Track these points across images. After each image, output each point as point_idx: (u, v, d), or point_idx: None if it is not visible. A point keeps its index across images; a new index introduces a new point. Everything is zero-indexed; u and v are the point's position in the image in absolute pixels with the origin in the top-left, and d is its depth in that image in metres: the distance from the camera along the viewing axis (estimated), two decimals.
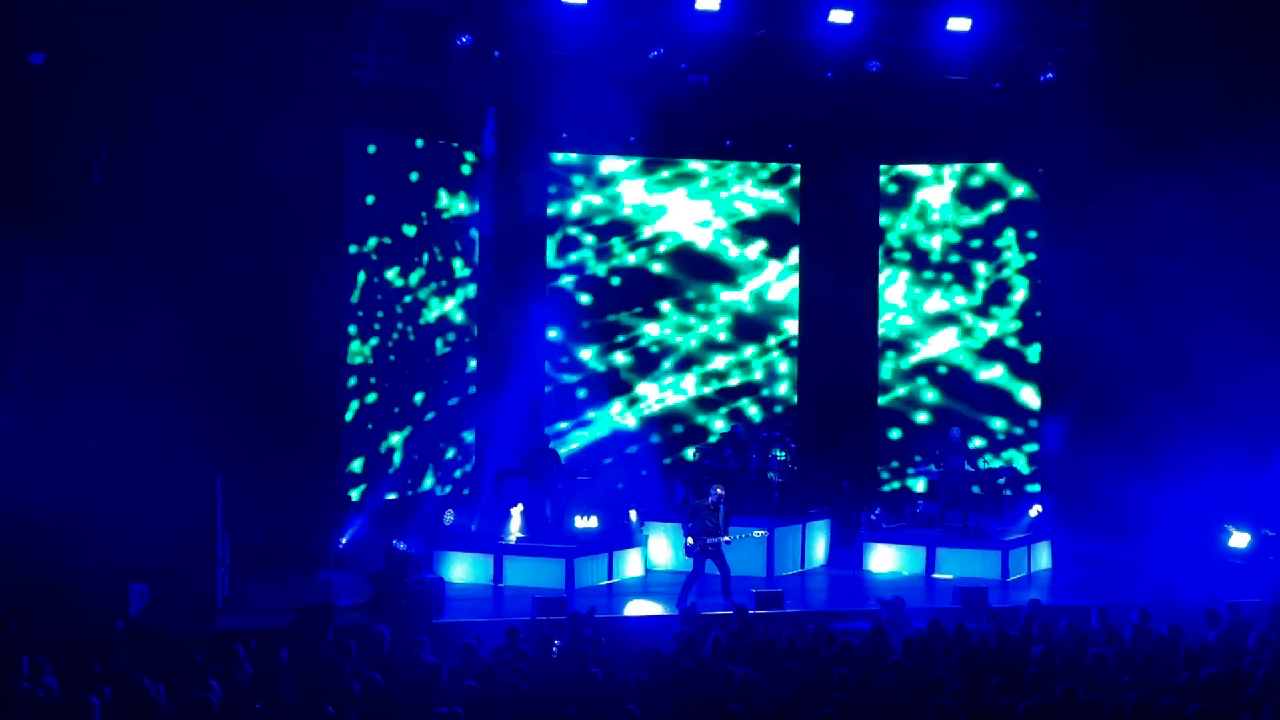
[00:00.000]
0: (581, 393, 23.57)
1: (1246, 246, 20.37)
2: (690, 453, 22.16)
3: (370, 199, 21.19)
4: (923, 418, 23.82)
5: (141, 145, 18.07)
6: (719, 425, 23.69)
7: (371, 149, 21.22)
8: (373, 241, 21.21)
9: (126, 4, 17.66)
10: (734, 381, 24.10)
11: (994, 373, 23.66)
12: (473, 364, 22.58)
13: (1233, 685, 11.43)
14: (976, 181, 23.77)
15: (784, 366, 24.19)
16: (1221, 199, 19.98)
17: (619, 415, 23.67)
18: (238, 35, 18.28)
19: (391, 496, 21.13)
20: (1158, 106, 20.24)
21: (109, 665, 12.06)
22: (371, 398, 21.23)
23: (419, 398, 21.83)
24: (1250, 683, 11.59)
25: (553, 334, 23.43)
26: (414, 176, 21.80)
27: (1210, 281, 20.26)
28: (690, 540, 17.61)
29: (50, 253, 17.32)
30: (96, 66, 17.59)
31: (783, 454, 20.55)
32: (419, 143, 21.88)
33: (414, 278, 21.76)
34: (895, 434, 23.97)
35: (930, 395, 23.85)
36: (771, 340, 24.16)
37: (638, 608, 17.76)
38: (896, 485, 23.70)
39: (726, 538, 17.68)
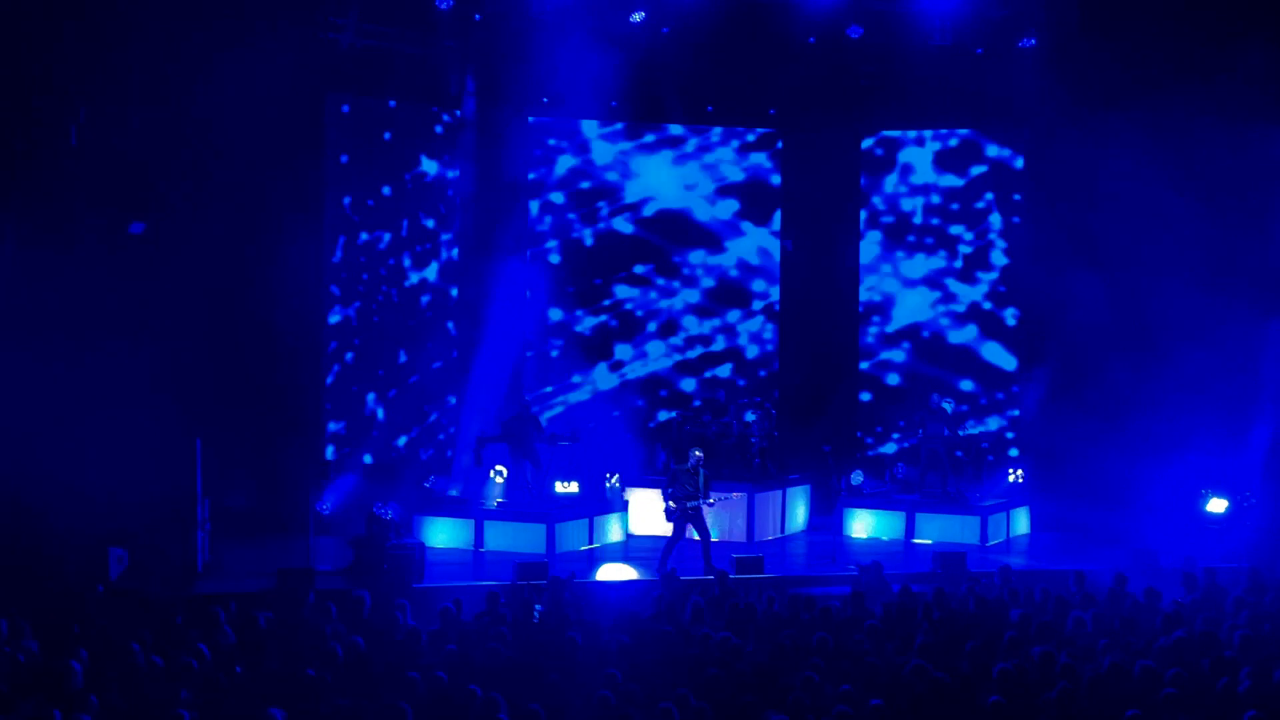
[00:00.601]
0: (562, 356, 23.53)
1: (1222, 214, 20.38)
2: (671, 417, 22.20)
3: (350, 162, 21.09)
4: (902, 383, 23.83)
5: (120, 107, 17.96)
6: (700, 390, 23.70)
7: (351, 112, 21.10)
8: (353, 205, 21.12)
9: None
10: (716, 346, 24.09)
11: (973, 338, 23.69)
12: (454, 328, 22.53)
13: (1209, 649, 11.51)
14: (958, 147, 23.73)
15: (766, 332, 24.18)
16: (1199, 167, 20.00)
17: (598, 379, 23.65)
18: None
19: (372, 461, 21.10)
20: (1137, 73, 20.23)
21: (89, 628, 12.06)
22: (352, 362, 21.19)
23: (400, 361, 21.79)
24: (1226, 646, 11.68)
25: (534, 298, 23.37)
26: (394, 140, 21.69)
27: (1187, 249, 20.28)
28: (670, 504, 17.63)
29: (28, 216, 17.23)
30: (73, 28, 17.46)
31: (752, 416, 20.57)
32: (399, 106, 21.76)
33: (394, 241, 21.68)
34: (874, 399, 23.98)
35: (910, 361, 23.86)
36: (753, 305, 24.15)
37: (611, 571, 17.75)
38: (885, 448, 23.71)
39: (710, 500, 17.67)
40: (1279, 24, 19.51)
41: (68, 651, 10.72)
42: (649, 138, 23.79)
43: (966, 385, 23.58)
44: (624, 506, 20.17)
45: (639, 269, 23.81)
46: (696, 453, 17.86)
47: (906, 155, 23.91)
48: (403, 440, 21.84)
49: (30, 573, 14.42)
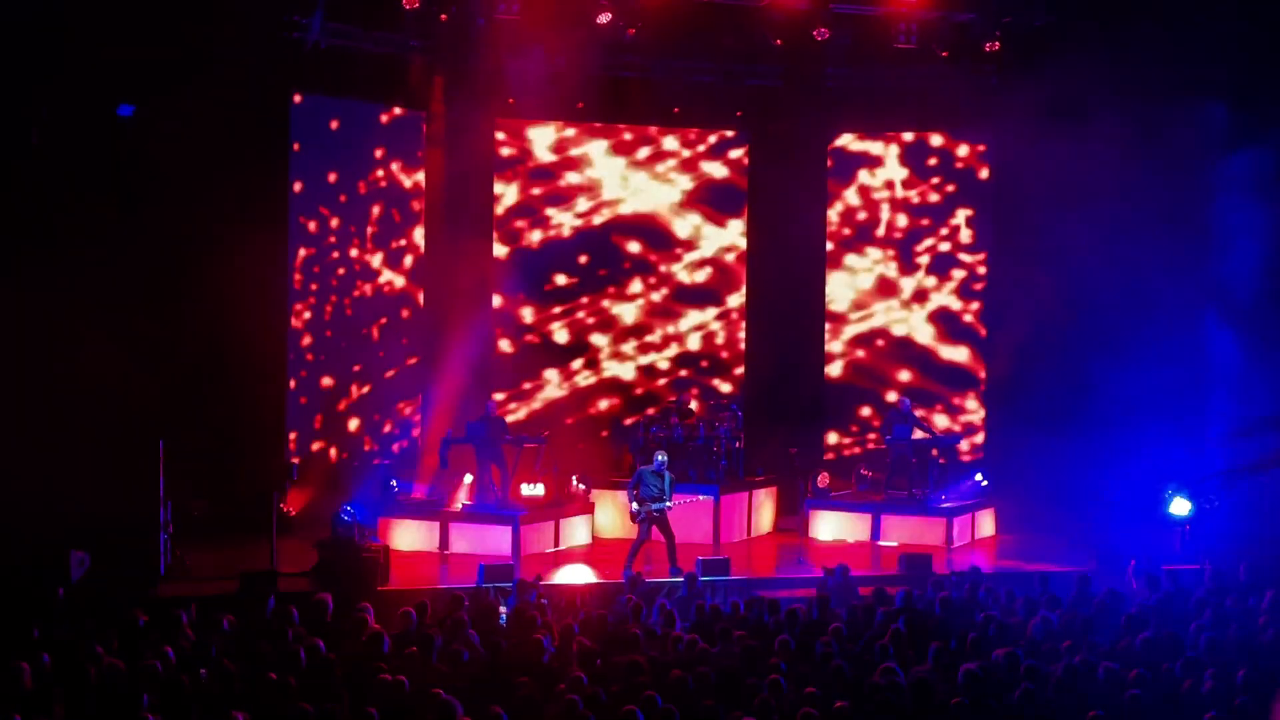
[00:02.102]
0: (528, 357, 23.47)
1: (1181, 218, 20.48)
2: (638, 419, 22.17)
3: (315, 163, 20.99)
4: (868, 385, 23.86)
5: (82, 107, 17.83)
6: (666, 392, 23.66)
7: (316, 112, 21.00)
8: (318, 206, 21.02)
9: None
10: (682, 349, 24.07)
11: (939, 341, 23.75)
12: (419, 329, 22.45)
13: (1173, 650, 11.57)
14: (924, 150, 23.80)
15: (732, 334, 24.18)
16: (1159, 168, 20.09)
17: (564, 381, 23.62)
18: None
19: (337, 462, 20.99)
20: (1101, 76, 20.33)
21: (50, 632, 11.96)
22: (317, 363, 21.09)
23: (365, 362, 21.69)
24: (1190, 648, 11.74)
25: (500, 300, 23.31)
26: (359, 139, 21.60)
27: (1150, 253, 20.37)
28: (635, 507, 17.60)
29: None
30: (35, 25, 17.32)
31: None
32: (365, 105, 21.67)
33: (359, 241, 21.59)
34: (840, 401, 24.02)
35: (876, 363, 23.90)
36: (719, 308, 24.14)
37: (577, 573, 17.71)
38: (851, 450, 23.73)
39: (670, 504, 17.64)
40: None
41: (28, 655, 10.61)
42: (616, 139, 23.75)
43: (931, 387, 23.63)
44: (590, 509, 20.14)
45: (606, 269, 23.77)
46: (660, 455, 17.84)
47: (873, 157, 23.95)
48: (367, 441, 21.75)
49: None
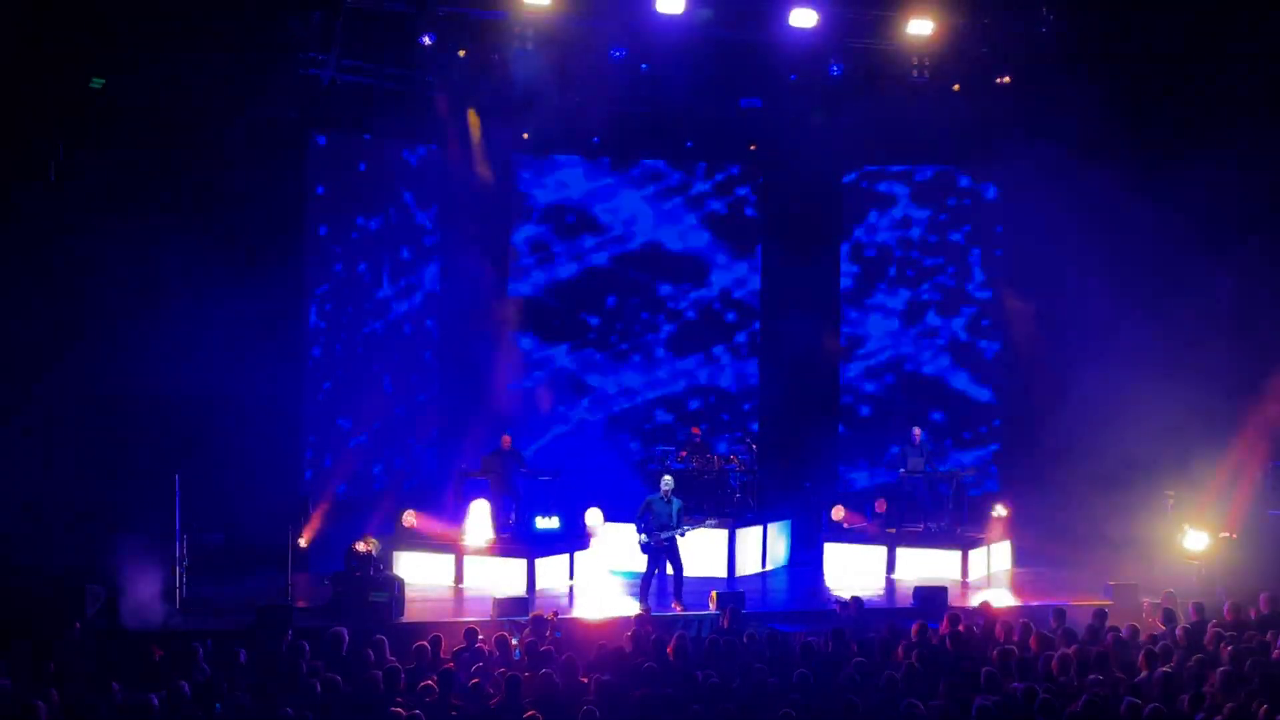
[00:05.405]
0: (543, 390, 23.51)
1: (1197, 248, 20.44)
2: (651, 452, 22.18)
3: (332, 198, 21.10)
4: (883, 417, 23.84)
5: (99, 143, 17.95)
6: (680, 426, 23.68)
7: (332, 146, 21.12)
8: (334, 238, 21.12)
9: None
10: (696, 380, 24.10)
11: (953, 372, 23.75)
12: (435, 362, 22.52)
13: (1190, 685, 11.52)
14: (937, 182, 23.84)
15: (747, 366, 24.22)
16: (1178, 203, 20.09)
17: (578, 415, 23.65)
18: (197, 34, 18.19)
19: (352, 496, 21.01)
20: (1114, 110, 20.38)
21: (65, 666, 11.98)
22: (332, 396, 21.14)
23: (380, 396, 21.74)
24: (1207, 682, 11.69)
25: (516, 333, 23.37)
26: (375, 174, 21.71)
27: (1164, 281, 20.36)
28: (644, 538, 17.48)
29: (7, 253, 17.21)
30: (54, 62, 17.47)
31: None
32: (381, 141, 21.79)
33: (376, 277, 21.68)
34: (855, 433, 24.01)
35: (891, 394, 23.90)
36: (734, 340, 24.18)
37: (591, 607, 17.68)
38: (866, 483, 23.70)
39: (681, 531, 17.47)
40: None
41: (42, 690, 10.64)
42: (630, 173, 23.86)
43: (946, 419, 23.61)
44: (605, 542, 20.12)
45: (620, 303, 23.83)
46: (666, 481, 17.70)
47: (886, 190, 24.02)
48: (382, 475, 21.78)
49: (5, 610, 14.31)
